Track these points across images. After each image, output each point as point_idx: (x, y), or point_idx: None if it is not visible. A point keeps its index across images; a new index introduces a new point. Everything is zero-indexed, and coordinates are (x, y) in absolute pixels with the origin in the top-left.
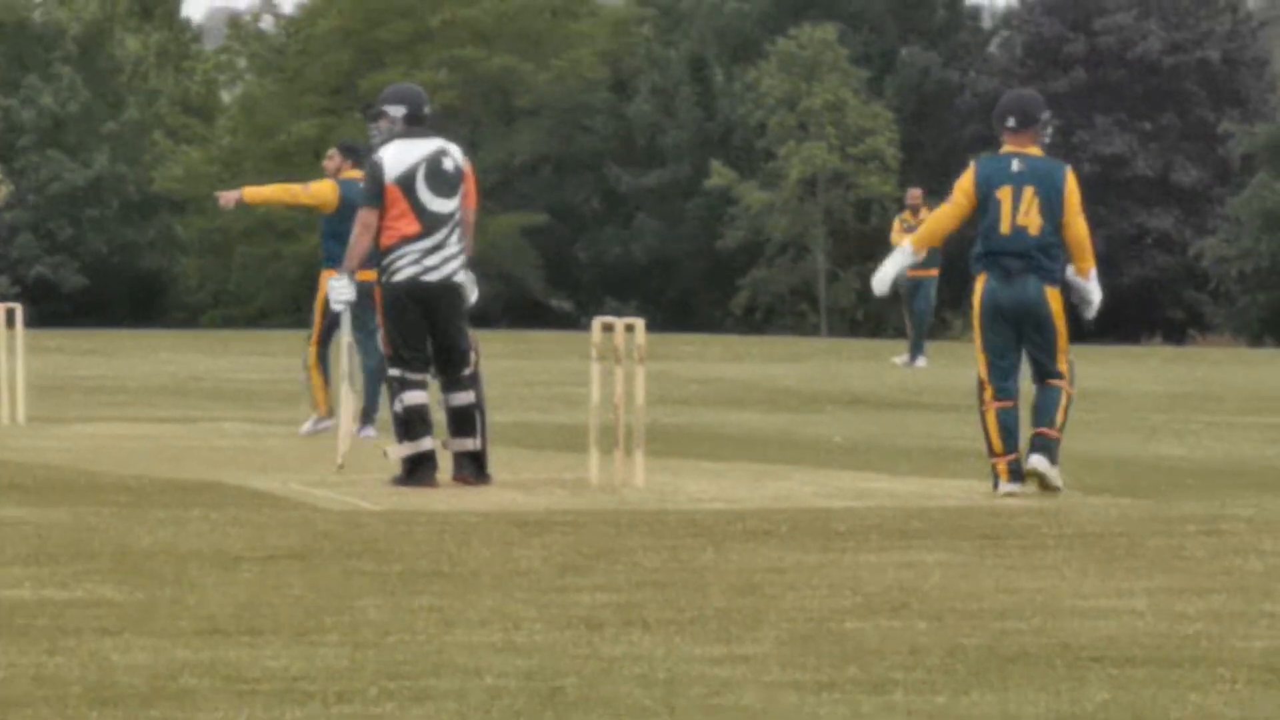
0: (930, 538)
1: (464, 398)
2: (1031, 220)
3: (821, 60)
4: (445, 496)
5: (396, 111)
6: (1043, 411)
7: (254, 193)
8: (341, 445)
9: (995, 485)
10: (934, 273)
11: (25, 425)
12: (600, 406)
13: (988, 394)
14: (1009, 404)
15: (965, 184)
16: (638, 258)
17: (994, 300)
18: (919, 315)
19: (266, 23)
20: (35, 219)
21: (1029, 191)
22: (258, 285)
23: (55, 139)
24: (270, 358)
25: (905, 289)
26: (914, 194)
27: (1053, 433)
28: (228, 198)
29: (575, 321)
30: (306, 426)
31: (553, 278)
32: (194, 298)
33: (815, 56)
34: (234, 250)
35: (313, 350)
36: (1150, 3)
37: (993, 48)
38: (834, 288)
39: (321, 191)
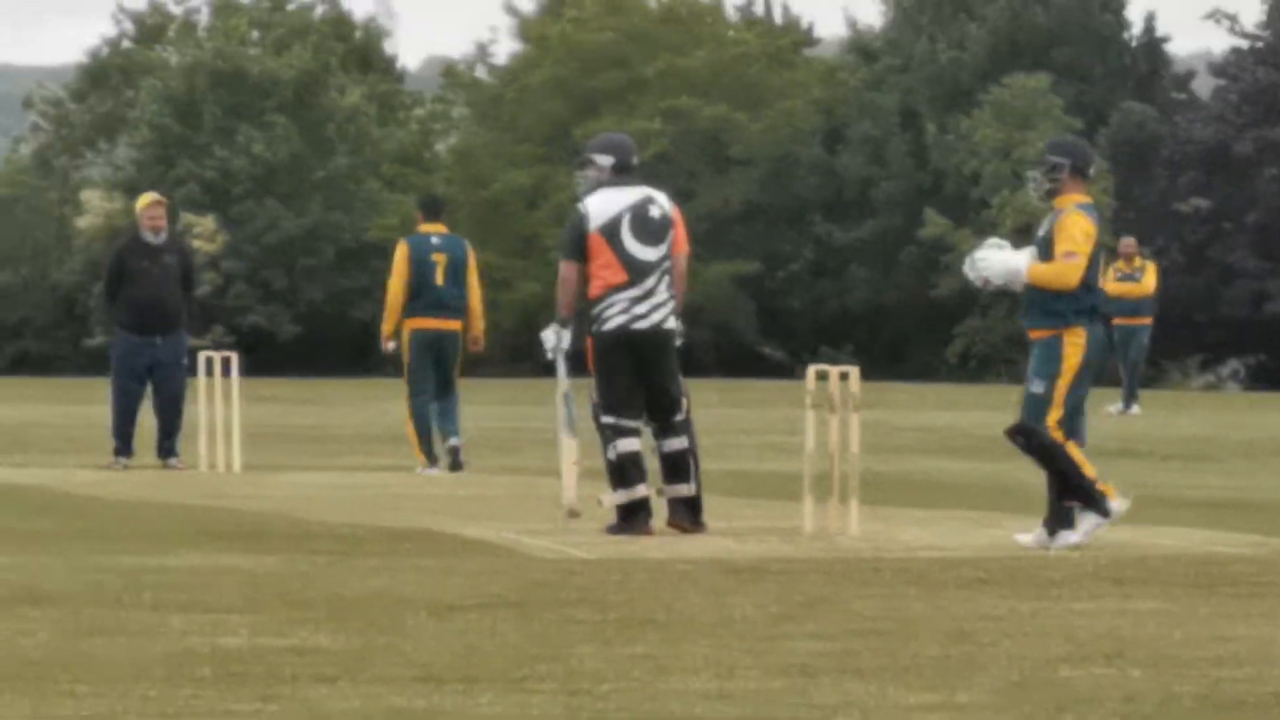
0: (1144, 585)
1: (678, 443)
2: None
3: (1035, 109)
4: (659, 544)
5: (604, 160)
6: None
7: (389, 321)
8: (568, 493)
9: (1107, 512)
10: (1147, 321)
11: (241, 473)
12: (815, 454)
13: (1059, 433)
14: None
15: (1093, 233)
16: (851, 306)
17: (1104, 348)
18: (1131, 363)
19: (481, 72)
20: (250, 268)
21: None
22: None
23: (268, 187)
24: (483, 406)
25: (1118, 337)
26: (1127, 243)
27: None
28: (386, 347)
29: (789, 370)
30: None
31: (766, 326)
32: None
33: (1029, 105)
34: None
35: (406, 404)
36: None
37: (1205, 96)
38: None
39: (399, 266)
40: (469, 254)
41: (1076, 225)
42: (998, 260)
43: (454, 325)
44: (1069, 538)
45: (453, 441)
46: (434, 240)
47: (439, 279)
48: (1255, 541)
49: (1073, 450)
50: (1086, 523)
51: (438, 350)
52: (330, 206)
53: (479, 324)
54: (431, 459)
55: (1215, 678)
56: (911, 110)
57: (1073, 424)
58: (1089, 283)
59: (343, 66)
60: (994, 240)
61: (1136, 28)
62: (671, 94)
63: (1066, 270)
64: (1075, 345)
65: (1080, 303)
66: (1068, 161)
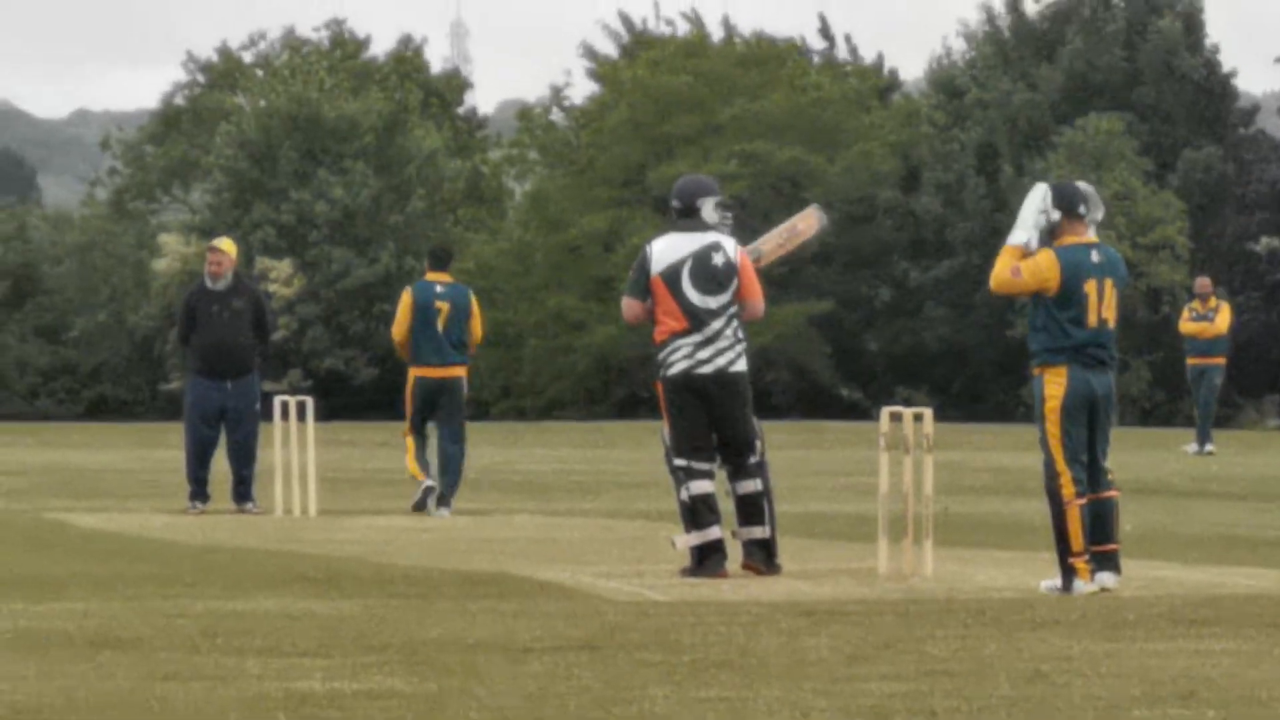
0: (1219, 625)
1: (751, 485)
2: (1110, 313)
3: (1108, 151)
4: (732, 587)
5: (673, 204)
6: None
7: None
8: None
9: (1068, 588)
10: (1220, 360)
11: (316, 518)
12: (889, 496)
13: (1071, 490)
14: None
15: (1051, 269)
16: (928, 347)
17: (1089, 390)
18: (1205, 403)
19: (556, 115)
20: (326, 312)
21: (1109, 284)
22: (548, 377)
23: (345, 232)
24: (560, 449)
25: (1191, 377)
26: (1202, 282)
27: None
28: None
29: (865, 411)
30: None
31: (842, 367)
32: (485, 390)
33: (1102, 147)
34: (525, 342)
35: (408, 440)
36: None
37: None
38: (1124, 376)
39: (401, 313)
40: (472, 302)
41: (1038, 257)
42: (1025, 207)
43: (457, 372)
44: (1045, 583)
45: (444, 512)
46: (438, 289)
47: (440, 326)
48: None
49: (1073, 518)
50: (1048, 582)
51: (440, 396)
52: (405, 250)
53: (467, 367)
54: (430, 501)
55: None
56: (990, 150)
57: (1091, 471)
58: (1065, 322)
59: (420, 110)
60: (1047, 195)
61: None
62: (747, 137)
63: (1002, 275)
64: (1054, 384)
65: (1057, 342)
66: (1057, 209)
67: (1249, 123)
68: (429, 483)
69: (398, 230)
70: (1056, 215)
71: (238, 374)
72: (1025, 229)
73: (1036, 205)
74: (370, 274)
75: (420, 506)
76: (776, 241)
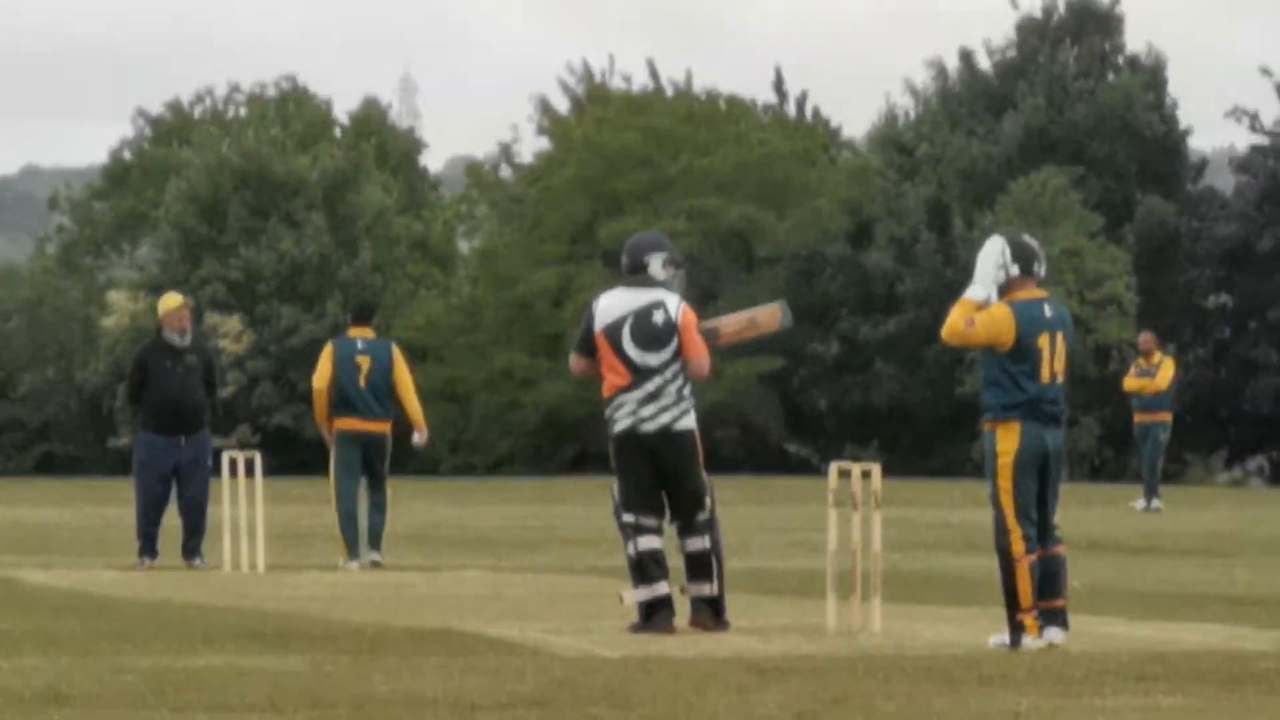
0: (1167, 681)
1: (700, 543)
2: (1060, 367)
3: (1055, 207)
4: (681, 643)
5: (623, 260)
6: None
7: (319, 417)
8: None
9: (1016, 644)
10: (1165, 417)
11: (265, 573)
12: (837, 552)
13: (1021, 546)
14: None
15: (1007, 324)
16: (877, 403)
17: (1041, 445)
18: (1150, 459)
19: (505, 172)
20: (275, 368)
21: (1060, 337)
22: (497, 433)
23: (293, 287)
24: (509, 505)
25: (1137, 432)
26: (1146, 339)
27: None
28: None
29: (815, 468)
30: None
31: (792, 424)
32: (433, 446)
33: (1050, 203)
34: (474, 398)
35: (333, 504)
36: None
37: (1229, 193)
38: (1073, 432)
39: (322, 367)
40: (395, 356)
41: (993, 311)
42: (982, 260)
43: (379, 427)
44: (993, 638)
45: (373, 557)
46: (359, 344)
47: (361, 382)
48: (1279, 638)
49: (1022, 574)
50: (996, 637)
51: (363, 450)
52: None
53: (418, 417)
54: (353, 554)
55: None
56: (941, 205)
57: (1040, 527)
58: (1018, 377)
59: (377, 167)
60: (1004, 249)
61: (1165, 124)
62: (696, 194)
63: (956, 326)
64: (1008, 439)
65: (1010, 397)
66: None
67: (1197, 178)
68: (354, 565)
69: (346, 285)
70: (1015, 270)
71: (192, 430)
72: (985, 285)
73: (995, 259)
74: (318, 329)
75: (352, 555)
76: (735, 327)
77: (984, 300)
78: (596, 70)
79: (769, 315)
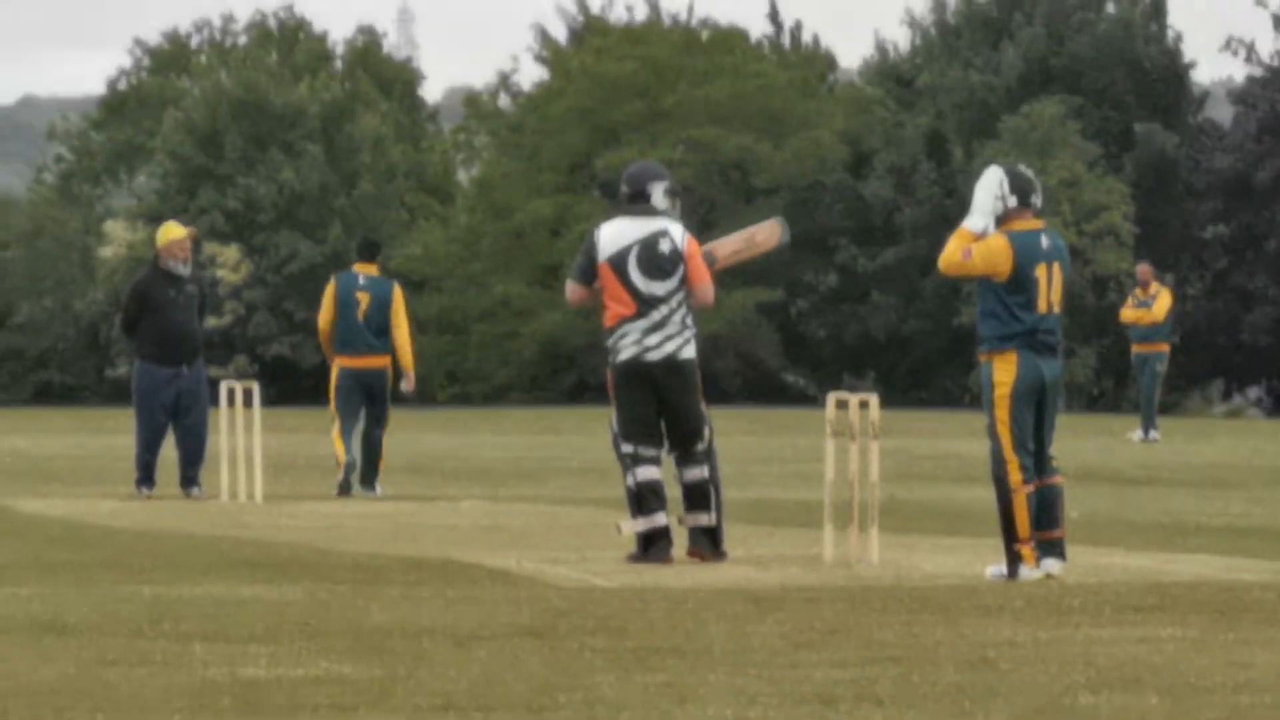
0: (1164, 612)
1: (698, 473)
2: (1057, 298)
3: (1054, 137)
4: (679, 573)
5: (623, 189)
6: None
7: (326, 351)
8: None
9: (1014, 575)
10: (1162, 348)
11: (262, 503)
12: (835, 482)
13: (1019, 476)
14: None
15: (1004, 254)
16: (875, 334)
17: (1038, 376)
18: (1148, 390)
19: (504, 101)
20: (273, 297)
21: (1057, 268)
22: (495, 363)
23: (292, 217)
24: (507, 435)
25: (1134, 363)
26: (1143, 269)
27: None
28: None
29: (813, 398)
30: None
31: (790, 354)
32: (431, 375)
33: (1047, 134)
34: (472, 328)
35: (334, 423)
36: None
37: (1228, 122)
38: (1070, 363)
39: (325, 302)
40: (394, 295)
41: (990, 241)
42: (980, 190)
43: (377, 362)
44: (990, 568)
45: (369, 492)
46: (360, 280)
47: (359, 317)
48: (1276, 569)
49: (1019, 505)
50: (994, 568)
51: (363, 386)
52: (353, 235)
53: (408, 362)
54: (347, 486)
55: (1235, 704)
56: (939, 136)
57: (1037, 458)
58: (1015, 307)
59: (369, 99)
60: (1003, 179)
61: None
62: (694, 124)
63: (953, 256)
64: (1004, 370)
65: (1007, 328)
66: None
67: (1198, 111)
68: (349, 458)
69: (345, 213)
70: (1013, 201)
71: (192, 360)
72: (983, 215)
73: (994, 190)
74: (318, 254)
75: (344, 488)
76: (733, 248)
77: (981, 231)
78: (594, 3)
79: (767, 232)
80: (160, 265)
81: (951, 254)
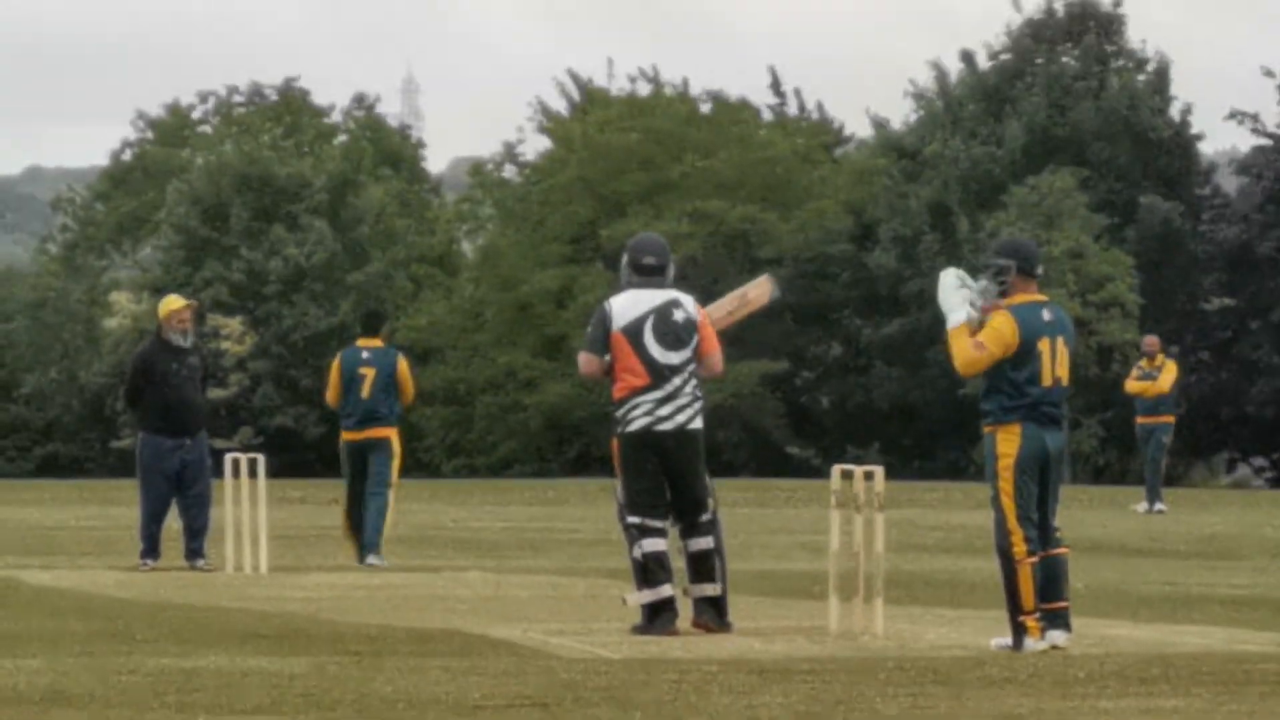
0: (1169, 684)
1: (703, 543)
2: (1064, 372)
3: (1061, 208)
4: (684, 644)
5: (647, 260)
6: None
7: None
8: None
9: (1019, 646)
10: (1167, 419)
11: (267, 575)
12: (840, 554)
13: (1023, 548)
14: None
15: (1011, 330)
16: (879, 405)
17: (1042, 448)
18: (1153, 461)
19: (509, 171)
20: (277, 368)
21: (1060, 342)
22: (500, 435)
23: (300, 288)
24: (511, 507)
25: (1139, 435)
26: (1150, 341)
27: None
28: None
29: (817, 469)
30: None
31: (795, 426)
32: (437, 447)
33: (1055, 204)
34: (477, 400)
35: (343, 511)
36: None
37: (1232, 192)
38: (1076, 434)
39: (331, 379)
40: (399, 366)
41: (994, 322)
42: (943, 294)
43: (378, 434)
44: (995, 640)
45: (371, 560)
46: (364, 355)
47: (365, 392)
48: None
49: (1024, 576)
50: (998, 639)
51: (366, 457)
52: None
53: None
54: (362, 556)
55: None
56: (943, 207)
57: (1041, 529)
58: (1018, 381)
59: (372, 170)
60: (958, 273)
61: (1170, 126)
62: (699, 195)
63: (966, 353)
64: (1008, 442)
65: (1011, 400)
66: (1013, 263)
67: (1206, 182)
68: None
69: (357, 288)
70: (979, 286)
71: (195, 431)
72: (959, 309)
73: (953, 285)
74: (325, 326)
75: (366, 555)
76: (727, 309)
77: (970, 320)
78: (594, 76)
79: (759, 289)
80: (162, 337)
81: (963, 353)
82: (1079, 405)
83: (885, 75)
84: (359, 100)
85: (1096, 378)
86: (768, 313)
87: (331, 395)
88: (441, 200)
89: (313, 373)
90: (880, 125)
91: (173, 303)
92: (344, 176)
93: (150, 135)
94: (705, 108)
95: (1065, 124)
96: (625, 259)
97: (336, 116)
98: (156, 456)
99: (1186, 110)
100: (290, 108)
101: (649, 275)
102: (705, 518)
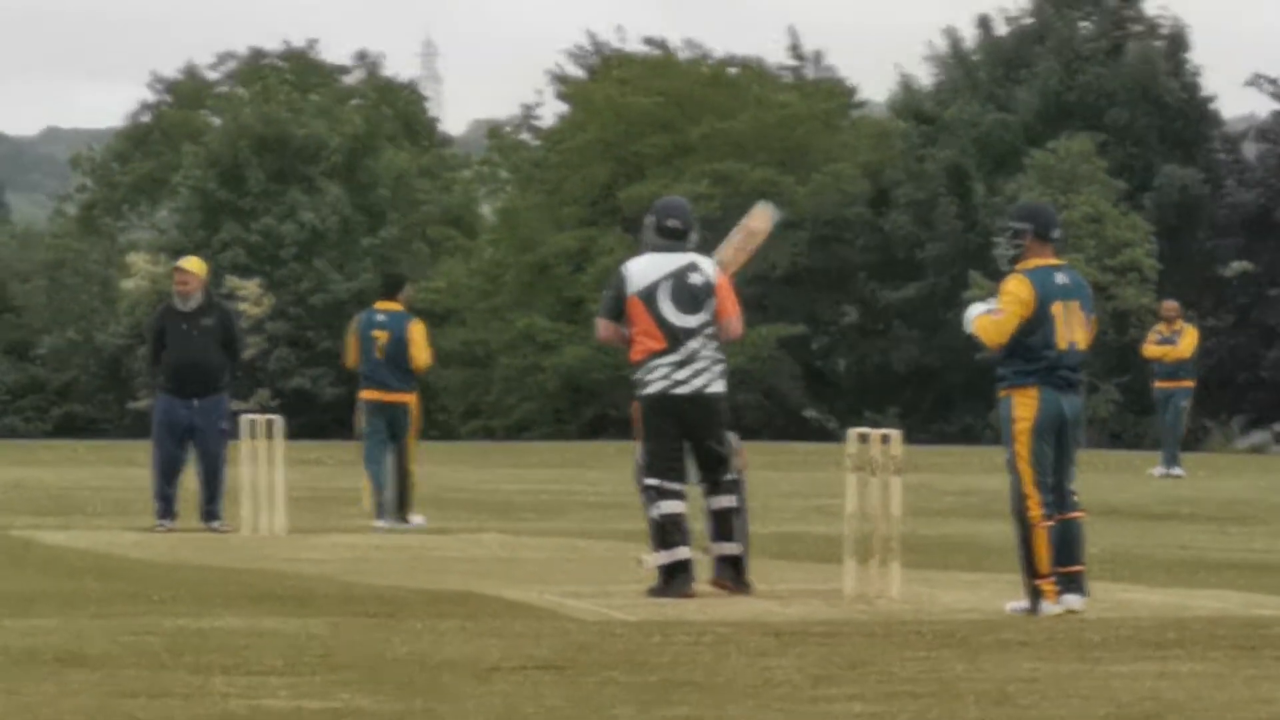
0: (1184, 647)
1: (726, 501)
2: (1080, 335)
3: (1079, 172)
4: (700, 607)
5: (670, 223)
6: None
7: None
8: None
9: (1034, 610)
10: (1187, 384)
11: (284, 536)
12: (856, 517)
13: (1039, 512)
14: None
15: (1028, 292)
16: (896, 369)
17: (1059, 411)
18: (1171, 426)
19: (526, 134)
20: (294, 331)
21: (1075, 305)
22: (518, 397)
23: (316, 252)
24: (528, 469)
25: (1158, 399)
26: (1168, 306)
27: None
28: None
29: (833, 433)
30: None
31: (812, 389)
32: (454, 409)
33: (1073, 169)
34: (495, 362)
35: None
36: None
37: (1251, 158)
38: (1093, 399)
39: (348, 340)
40: (411, 330)
41: (1007, 286)
42: (969, 313)
43: (398, 398)
44: (1011, 604)
45: (405, 523)
46: (378, 318)
47: (377, 353)
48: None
49: (1039, 539)
50: (1014, 603)
51: (386, 420)
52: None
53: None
54: (380, 513)
55: None
56: (960, 171)
57: (1057, 493)
58: (1034, 345)
59: (388, 133)
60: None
61: (1191, 90)
62: (717, 157)
63: (989, 326)
64: (1025, 406)
65: (1027, 364)
66: (1030, 226)
67: (1234, 149)
68: (382, 523)
69: (373, 251)
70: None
71: (205, 393)
72: (977, 306)
73: (979, 311)
74: (343, 290)
75: (380, 512)
76: (734, 246)
77: (987, 310)
78: (609, 42)
79: (759, 218)
80: (172, 301)
81: (987, 327)
82: (1096, 369)
83: (903, 41)
84: (361, 56)
85: (1114, 342)
86: (788, 276)
87: (349, 356)
88: (461, 163)
89: (330, 334)
90: (906, 85)
91: (180, 263)
92: (361, 140)
93: (168, 98)
94: (717, 68)
95: (1076, 88)
96: (650, 220)
97: (356, 77)
98: (166, 415)
99: (1195, 73)
100: (307, 68)
101: (671, 238)
102: (729, 476)
